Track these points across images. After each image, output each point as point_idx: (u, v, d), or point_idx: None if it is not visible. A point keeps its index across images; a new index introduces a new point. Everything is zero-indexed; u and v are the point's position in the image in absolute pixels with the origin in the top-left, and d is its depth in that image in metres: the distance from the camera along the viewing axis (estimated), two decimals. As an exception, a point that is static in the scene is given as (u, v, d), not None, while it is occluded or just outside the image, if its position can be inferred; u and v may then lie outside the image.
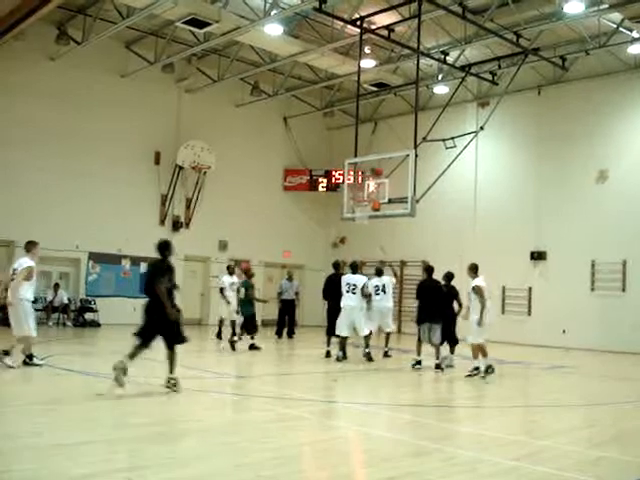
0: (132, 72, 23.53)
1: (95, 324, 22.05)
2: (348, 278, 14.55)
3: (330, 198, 27.98)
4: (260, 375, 12.92)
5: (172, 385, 9.36)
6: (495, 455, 6.52)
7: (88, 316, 22.34)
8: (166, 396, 9.23)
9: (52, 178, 22.09)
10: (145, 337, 9.28)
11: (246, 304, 16.20)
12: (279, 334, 20.20)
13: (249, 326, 16.17)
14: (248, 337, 16.08)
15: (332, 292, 14.93)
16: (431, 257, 23.91)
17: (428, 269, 14.17)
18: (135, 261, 23.69)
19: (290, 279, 20.81)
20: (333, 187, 27.53)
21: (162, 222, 24.75)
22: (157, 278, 9.33)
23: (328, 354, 15.02)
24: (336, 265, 15.91)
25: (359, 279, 14.54)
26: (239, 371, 13.60)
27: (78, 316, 22.20)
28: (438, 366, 13.47)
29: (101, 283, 22.87)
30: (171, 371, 9.46)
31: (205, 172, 25.01)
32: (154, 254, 9.58)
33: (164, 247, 9.64)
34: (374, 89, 24.18)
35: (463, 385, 12.33)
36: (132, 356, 9.16)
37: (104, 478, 5.22)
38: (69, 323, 21.81)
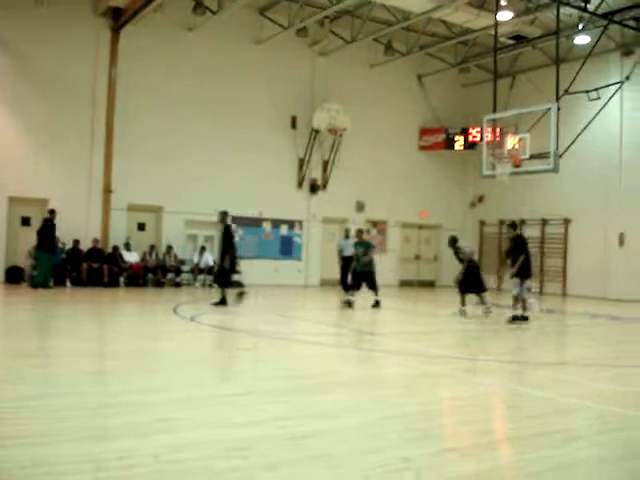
0: (266, 38, 23.90)
1: (239, 284, 22.84)
2: None
3: (467, 156, 27.57)
4: (395, 332, 13.05)
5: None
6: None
7: (232, 277, 23.14)
8: (312, 351, 9.57)
9: (194, 146, 22.95)
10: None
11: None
12: (347, 289, 19.51)
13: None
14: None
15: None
16: (573, 214, 23.48)
17: (514, 225, 14.94)
18: (275, 224, 24.35)
19: (347, 237, 20.30)
20: (470, 145, 27.03)
21: (300, 185, 25.17)
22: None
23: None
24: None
25: None
26: (372, 328, 13.82)
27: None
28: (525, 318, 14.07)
29: (243, 245, 23.62)
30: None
31: (341, 134, 25.14)
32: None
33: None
34: (511, 42, 23.37)
35: (610, 345, 12.01)
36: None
37: (260, 426, 5.50)
38: (214, 284, 22.71)
